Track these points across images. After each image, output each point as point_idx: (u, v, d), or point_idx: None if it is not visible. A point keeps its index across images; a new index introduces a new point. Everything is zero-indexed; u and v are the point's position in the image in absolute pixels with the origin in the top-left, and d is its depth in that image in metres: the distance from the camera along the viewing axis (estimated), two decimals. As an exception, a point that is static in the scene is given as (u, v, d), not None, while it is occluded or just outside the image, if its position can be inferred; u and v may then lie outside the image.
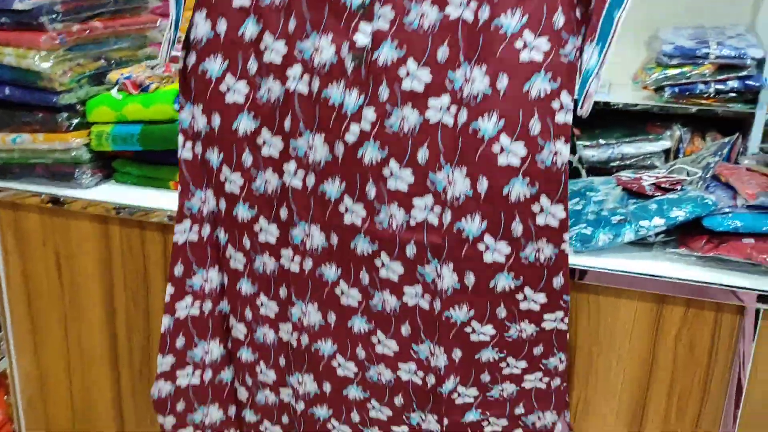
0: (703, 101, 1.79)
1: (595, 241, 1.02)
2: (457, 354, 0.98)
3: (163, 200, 1.20)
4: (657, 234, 1.03)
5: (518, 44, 0.82)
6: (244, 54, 0.94)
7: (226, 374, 1.13)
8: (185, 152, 1.02)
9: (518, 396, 1.00)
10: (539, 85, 0.82)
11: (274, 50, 0.92)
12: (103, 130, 1.25)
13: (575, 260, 1.00)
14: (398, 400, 1.04)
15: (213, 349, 1.10)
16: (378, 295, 0.99)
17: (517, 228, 0.88)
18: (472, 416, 1.00)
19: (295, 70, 0.92)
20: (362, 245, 0.96)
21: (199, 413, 1.13)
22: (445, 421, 1.01)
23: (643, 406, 1.03)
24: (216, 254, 1.07)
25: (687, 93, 1.79)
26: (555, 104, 0.83)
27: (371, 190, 0.92)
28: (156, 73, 1.29)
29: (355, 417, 1.07)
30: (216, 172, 1.02)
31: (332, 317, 1.02)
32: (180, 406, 1.12)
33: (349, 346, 1.04)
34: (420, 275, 0.96)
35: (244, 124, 0.97)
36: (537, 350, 0.97)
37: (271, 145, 0.97)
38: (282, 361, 1.08)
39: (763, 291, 0.93)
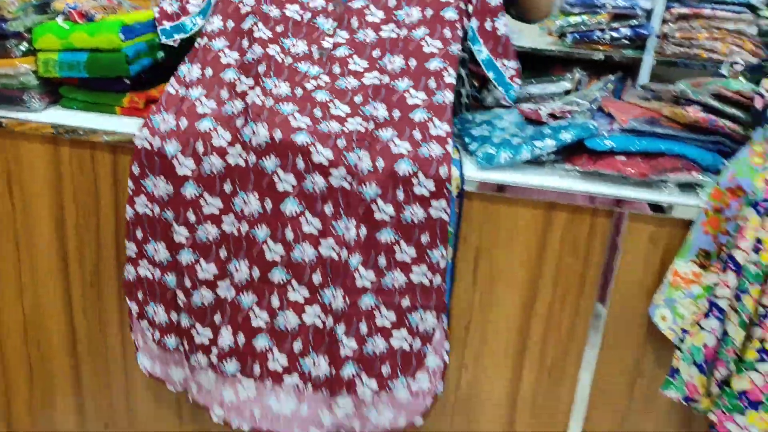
0: (600, 47, 2.00)
1: (498, 159, 1.21)
2: (363, 231, 1.15)
3: (110, 124, 1.30)
4: (549, 153, 1.23)
5: (422, 44, 1.27)
6: (241, 37, 1.31)
7: (170, 278, 1.26)
8: (170, 88, 1.29)
9: (406, 288, 1.17)
10: (435, 64, 1.24)
11: (262, 32, 1.29)
12: (50, 57, 1.33)
13: (482, 175, 1.18)
14: (316, 278, 1.21)
15: (160, 249, 1.23)
16: (309, 177, 1.16)
17: (416, 134, 1.17)
18: (368, 300, 1.17)
19: (275, 49, 1.28)
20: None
21: (150, 308, 1.26)
22: (347, 300, 1.17)
23: (534, 297, 1.25)
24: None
25: (586, 39, 2.00)
26: (445, 74, 1.24)
27: (317, 113, 1.20)
28: (100, 4, 1.36)
29: (275, 301, 1.22)
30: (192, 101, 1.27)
31: (268, 204, 1.19)
32: (140, 295, 1.27)
33: (280, 228, 1.20)
34: (344, 158, 1.16)
35: (230, 74, 1.29)
36: (424, 239, 1.15)
37: (244, 84, 1.24)
38: (223, 253, 1.23)
39: (629, 197, 1.15)
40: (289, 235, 1.18)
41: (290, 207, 1.17)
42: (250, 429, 1.25)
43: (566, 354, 1.27)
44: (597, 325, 1.24)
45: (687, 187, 1.17)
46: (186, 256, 1.23)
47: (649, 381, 1.26)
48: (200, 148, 1.19)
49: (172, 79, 1.30)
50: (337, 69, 1.28)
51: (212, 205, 1.21)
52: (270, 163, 1.16)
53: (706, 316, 1.11)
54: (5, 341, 1.50)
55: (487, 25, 1.38)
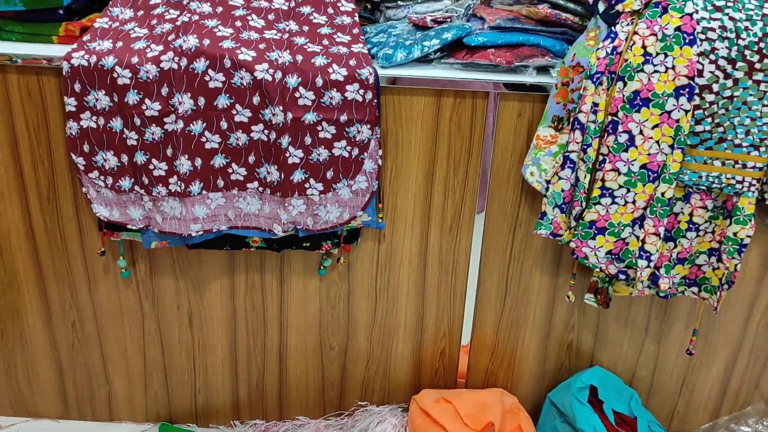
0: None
1: (395, 59, 1.48)
2: (289, 116, 1.41)
3: (50, 51, 1.46)
4: (435, 51, 1.51)
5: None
6: None
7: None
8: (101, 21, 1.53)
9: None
10: None
11: None
12: (-15, -8, 1.46)
13: (383, 73, 1.45)
14: (251, 158, 1.47)
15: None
16: (237, 74, 1.41)
17: (325, 41, 1.49)
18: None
19: None
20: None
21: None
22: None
23: (433, 168, 1.55)
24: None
25: (461, -41, 2.26)
26: (340, 4, 1.61)
27: (238, 24, 1.47)
28: (28, -59, 1.50)
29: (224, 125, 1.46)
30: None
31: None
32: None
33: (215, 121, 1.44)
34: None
35: (159, 9, 1.55)
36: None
37: (173, 13, 1.51)
38: (169, 151, 1.45)
39: (499, 80, 1.45)
40: (224, 125, 1.43)
41: (222, 101, 1.41)
42: (228, 228, 1.52)
43: (461, 213, 1.59)
44: (483, 187, 1.56)
45: (543, 69, 1.49)
46: (139, 158, 1.45)
47: (525, 227, 1.60)
48: (135, 59, 1.39)
49: (104, 18, 1.50)
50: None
51: (152, 108, 1.41)
52: (200, 64, 1.38)
53: (562, 167, 1.45)
54: (-34, 262, 1.66)
55: None
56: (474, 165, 1.54)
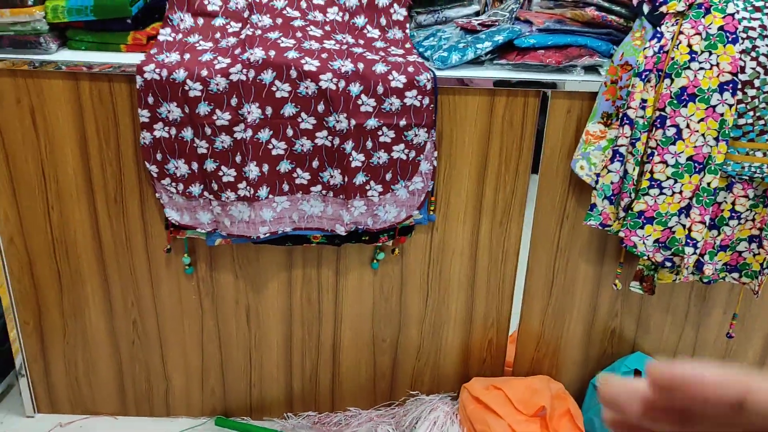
0: (501, -28, 2.36)
1: (450, 61, 1.56)
2: (352, 122, 1.49)
3: (119, 60, 1.53)
4: (487, 53, 1.59)
5: (365, 31, 1.67)
6: None
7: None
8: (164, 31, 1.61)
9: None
10: (382, 1, 1.63)
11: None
12: (58, 3, 1.54)
13: (439, 74, 1.53)
14: (315, 163, 1.54)
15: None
16: (302, 83, 1.49)
17: (382, 53, 1.53)
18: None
19: None
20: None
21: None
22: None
23: (485, 164, 1.63)
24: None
25: (489, -34, 2.35)
26: (391, 10, 1.65)
27: (299, 35, 1.55)
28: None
29: (285, 186, 1.56)
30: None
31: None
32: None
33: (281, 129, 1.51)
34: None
35: (219, 21, 1.65)
36: (411, 69, 1.51)
37: (235, 27, 1.60)
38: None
39: (549, 80, 1.53)
40: (290, 132, 1.50)
41: (288, 110, 1.48)
42: (292, 229, 1.59)
43: (511, 206, 1.67)
44: (533, 182, 1.64)
45: (590, 69, 1.57)
46: (209, 165, 1.52)
47: (573, 219, 1.68)
48: (204, 72, 1.46)
49: (167, 28, 1.57)
50: (303, 4, 1.61)
51: (222, 118, 1.49)
52: (268, 75, 1.46)
53: (611, 161, 1.53)
54: (36, 259, 1.72)
55: None
56: (525, 160, 1.62)
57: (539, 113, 1.57)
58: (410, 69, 1.51)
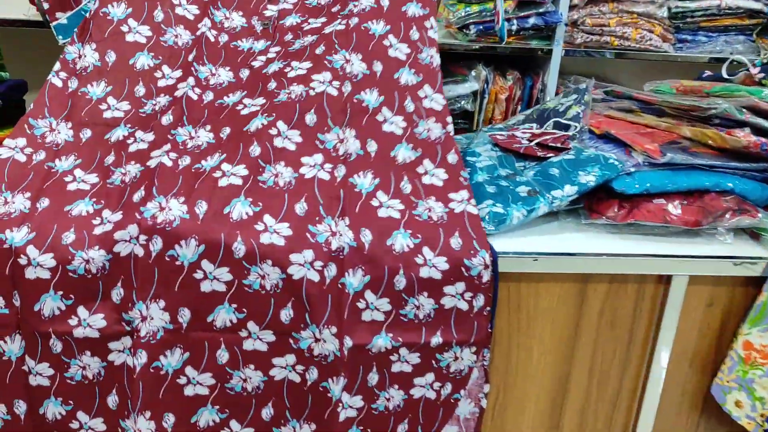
0: (506, 39, 1.73)
1: (510, 220, 0.87)
2: (348, 343, 0.79)
3: None
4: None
5: (386, 43, 0.97)
6: (150, 4, 0.98)
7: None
8: (55, 79, 0.94)
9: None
10: (406, 76, 0.95)
11: (187, 9, 1.00)
12: None
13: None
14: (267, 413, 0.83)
15: None
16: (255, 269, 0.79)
17: (409, 106, 0.93)
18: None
19: (206, 24, 0.99)
20: (257, 123, 0.89)
21: None
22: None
23: (564, 388, 0.94)
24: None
25: (491, 30, 1.72)
26: (421, 93, 0.95)
27: (272, 84, 0.94)
28: None
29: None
30: (93, 103, 0.92)
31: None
32: None
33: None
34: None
35: (143, 60, 0.96)
36: (455, 243, 0.81)
37: (170, 77, 0.95)
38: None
39: (681, 254, 0.88)
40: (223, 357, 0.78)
41: (223, 320, 0.77)
42: None
43: (603, 453, 0.99)
44: (645, 412, 0.96)
45: (741, 231, 0.93)
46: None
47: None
48: (69, 239, 0.76)
49: (58, 64, 0.95)
50: (289, 36, 1.01)
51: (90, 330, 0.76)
52: (186, 251, 0.75)
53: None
54: None
55: None
56: (631, 378, 0.95)
57: (660, 308, 0.91)
58: (455, 242, 0.81)
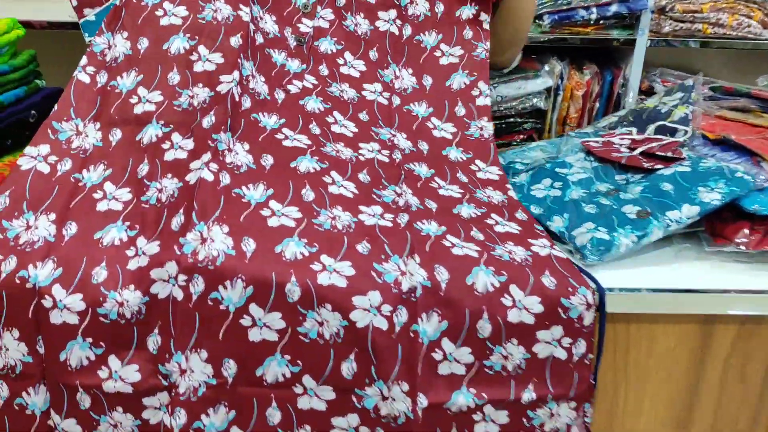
0: (585, 29, 1.56)
1: (617, 248, 0.72)
2: (423, 403, 0.65)
3: None
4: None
5: (437, 53, 0.94)
6: None
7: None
8: (82, 75, 0.83)
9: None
10: (459, 80, 0.93)
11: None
12: None
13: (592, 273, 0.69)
14: None
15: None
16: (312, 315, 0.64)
17: (462, 177, 0.85)
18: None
19: (246, 11, 0.84)
20: (307, 164, 0.78)
21: None
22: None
23: (681, 454, 0.79)
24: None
25: (567, 21, 1.55)
26: (474, 92, 0.92)
27: (315, 129, 0.84)
28: None
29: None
30: (123, 97, 0.80)
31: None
32: None
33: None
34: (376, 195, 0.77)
35: (178, 43, 0.83)
36: (548, 281, 0.67)
37: (206, 59, 0.81)
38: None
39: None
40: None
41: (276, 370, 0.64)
42: None
43: None
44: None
45: None
46: None
47: None
48: (144, 170, 0.73)
49: (84, 59, 0.82)
50: (324, 70, 0.90)
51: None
52: (231, 294, 0.63)
53: None
54: None
55: None
56: (762, 443, 0.79)
57: (804, 355, 0.74)
58: (547, 280, 0.67)
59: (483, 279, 0.66)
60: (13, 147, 0.86)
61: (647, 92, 1.65)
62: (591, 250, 0.72)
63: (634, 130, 0.94)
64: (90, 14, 0.90)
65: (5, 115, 0.84)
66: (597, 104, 1.64)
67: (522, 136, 1.57)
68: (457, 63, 0.93)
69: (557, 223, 0.77)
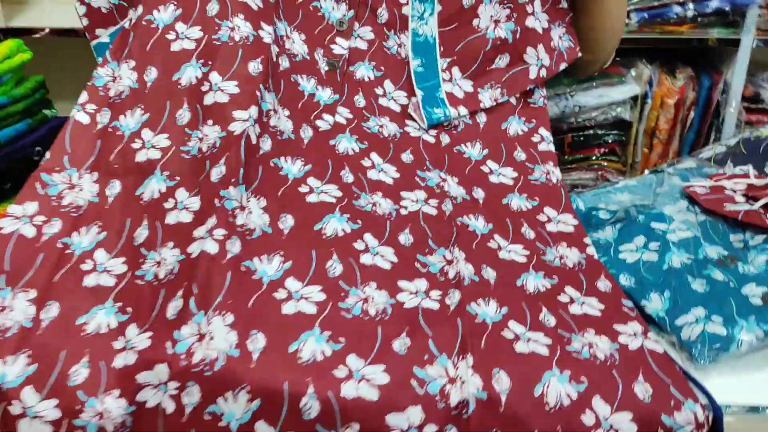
0: (679, 28, 1.36)
1: (737, 346, 0.55)
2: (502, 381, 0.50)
3: None
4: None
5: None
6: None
7: None
8: (80, 115, 0.70)
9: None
10: (515, 126, 0.82)
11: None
12: None
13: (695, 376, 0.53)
14: None
15: None
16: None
17: (528, 232, 0.70)
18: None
19: (268, 31, 0.72)
20: (335, 225, 0.64)
21: None
22: None
23: None
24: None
25: (659, 19, 1.35)
26: (535, 138, 0.82)
27: (348, 176, 0.71)
28: None
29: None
30: (125, 141, 0.68)
31: None
32: None
33: None
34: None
35: (190, 73, 0.71)
36: (640, 390, 0.51)
37: (219, 89, 0.68)
38: None
39: None
40: None
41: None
42: None
43: None
44: None
45: None
46: None
47: None
48: (142, 236, 0.58)
49: (84, 95, 0.70)
50: (361, 101, 0.77)
51: None
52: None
53: None
54: None
55: None
56: None
57: None
58: (641, 389, 0.51)
59: (556, 388, 0.51)
60: (13, 190, 0.75)
61: (752, 99, 1.45)
62: (701, 347, 0.55)
63: (750, 168, 0.76)
64: (104, 35, 0.78)
65: (3, 155, 0.73)
66: (692, 113, 1.44)
67: (603, 149, 1.39)
68: (513, 106, 0.82)
69: (655, 304, 0.60)
